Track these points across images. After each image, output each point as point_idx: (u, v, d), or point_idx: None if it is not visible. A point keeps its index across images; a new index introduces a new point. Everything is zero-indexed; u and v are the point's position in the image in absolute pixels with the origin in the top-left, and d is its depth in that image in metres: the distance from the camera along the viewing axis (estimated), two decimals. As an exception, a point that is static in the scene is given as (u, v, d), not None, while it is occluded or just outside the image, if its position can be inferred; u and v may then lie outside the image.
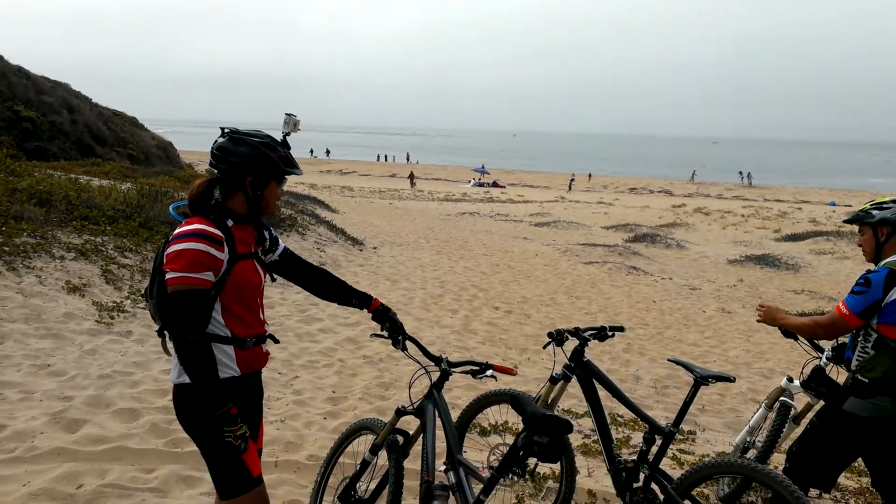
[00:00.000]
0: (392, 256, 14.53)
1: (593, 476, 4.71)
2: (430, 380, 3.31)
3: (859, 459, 3.72)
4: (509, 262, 16.50)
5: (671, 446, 5.39)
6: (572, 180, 62.67)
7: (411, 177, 54.41)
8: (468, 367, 3.35)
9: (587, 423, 5.82)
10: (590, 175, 70.49)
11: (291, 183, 40.31)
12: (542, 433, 2.50)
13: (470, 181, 60.74)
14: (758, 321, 4.06)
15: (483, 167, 75.81)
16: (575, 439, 5.39)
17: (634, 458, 3.70)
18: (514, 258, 17.20)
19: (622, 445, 5.33)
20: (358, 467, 3.45)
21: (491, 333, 9.42)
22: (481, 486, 2.72)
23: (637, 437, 5.56)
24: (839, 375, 4.06)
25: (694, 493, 3.43)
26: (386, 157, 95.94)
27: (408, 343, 3.28)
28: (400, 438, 3.38)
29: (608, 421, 3.95)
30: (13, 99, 23.09)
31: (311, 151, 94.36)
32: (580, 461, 4.86)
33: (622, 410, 6.37)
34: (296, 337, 7.87)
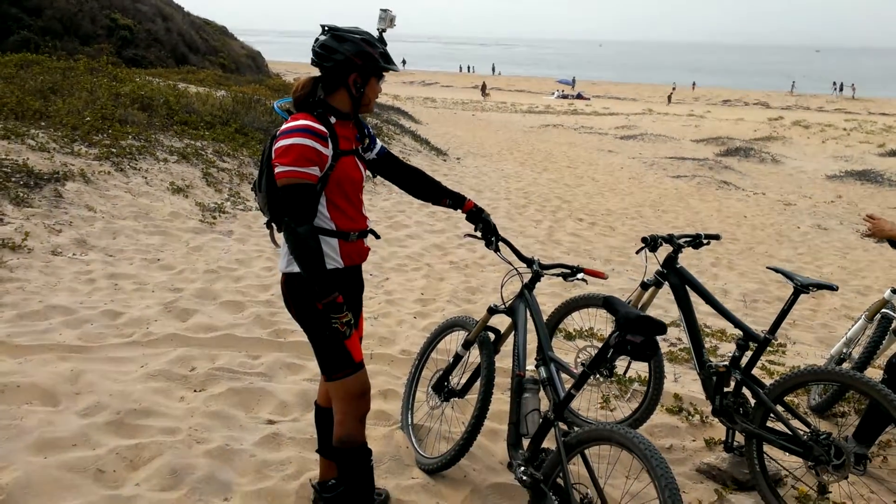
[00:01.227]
0: (475, 167, 14.50)
1: (679, 382, 4.76)
2: (522, 280, 3.37)
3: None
4: (593, 174, 16.21)
5: (762, 356, 5.35)
6: (672, 91, 59.89)
7: (483, 87, 53.30)
8: (560, 270, 3.38)
9: (673, 332, 5.82)
10: (673, 87, 67.07)
11: (374, 93, 40.32)
12: (636, 332, 2.53)
13: (553, 93, 59.06)
14: (863, 236, 3.89)
15: (568, 79, 73.37)
16: (662, 347, 5.41)
17: (725, 363, 3.70)
18: (599, 171, 16.87)
19: (710, 354, 5.32)
20: (451, 361, 3.60)
21: (575, 244, 9.40)
22: (571, 381, 2.80)
23: (724, 348, 5.54)
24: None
25: (786, 399, 3.42)
26: (469, 67, 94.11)
27: (500, 245, 3.32)
28: (491, 335, 3.49)
29: (698, 325, 3.95)
30: (110, 7, 23.72)
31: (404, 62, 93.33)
32: (667, 368, 4.90)
33: (710, 321, 6.33)
34: (385, 242, 8.08)
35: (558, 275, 3.37)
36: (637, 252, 4.06)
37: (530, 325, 3.29)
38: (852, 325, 4.49)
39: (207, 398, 4.00)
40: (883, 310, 4.26)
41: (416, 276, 6.96)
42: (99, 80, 11.69)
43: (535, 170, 15.62)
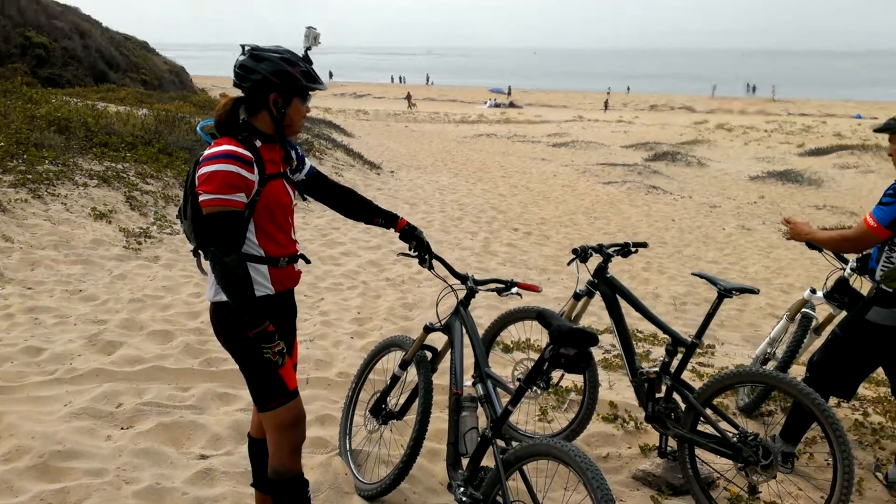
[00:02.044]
0: (410, 180, 14.50)
1: (614, 389, 4.84)
2: (457, 297, 3.37)
3: (879, 370, 3.77)
4: (527, 183, 16.42)
5: (691, 359, 5.49)
6: (608, 97, 61.36)
7: (408, 98, 53.46)
8: (494, 285, 3.40)
9: (607, 339, 5.92)
10: (608, 92, 69.00)
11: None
12: (569, 345, 2.55)
13: (486, 102, 59.71)
14: (787, 238, 4.04)
15: (501, 88, 74.37)
16: (596, 354, 5.50)
17: (656, 369, 3.78)
18: (533, 179, 17.10)
19: (642, 359, 5.43)
20: (388, 382, 3.56)
21: (511, 254, 9.48)
22: (508, 397, 2.81)
23: (656, 352, 5.67)
24: (863, 286, 4.08)
25: (715, 402, 3.51)
26: (401, 78, 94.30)
27: (434, 262, 3.32)
28: (428, 354, 3.47)
29: (629, 333, 4.02)
30: (24, 25, 22.78)
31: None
32: (601, 375, 4.98)
33: (642, 326, 6.46)
34: (319, 260, 7.98)
35: (493, 290, 3.38)
36: (568, 263, 4.12)
37: (467, 341, 3.29)
38: (775, 325, 4.65)
39: (135, 435, 3.85)
40: (803, 309, 4.43)
41: (351, 295, 6.89)
42: (13, 103, 11.20)
43: (469, 181, 15.73)
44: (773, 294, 8.97)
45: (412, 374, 3.48)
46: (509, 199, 13.86)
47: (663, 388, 3.75)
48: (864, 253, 4.08)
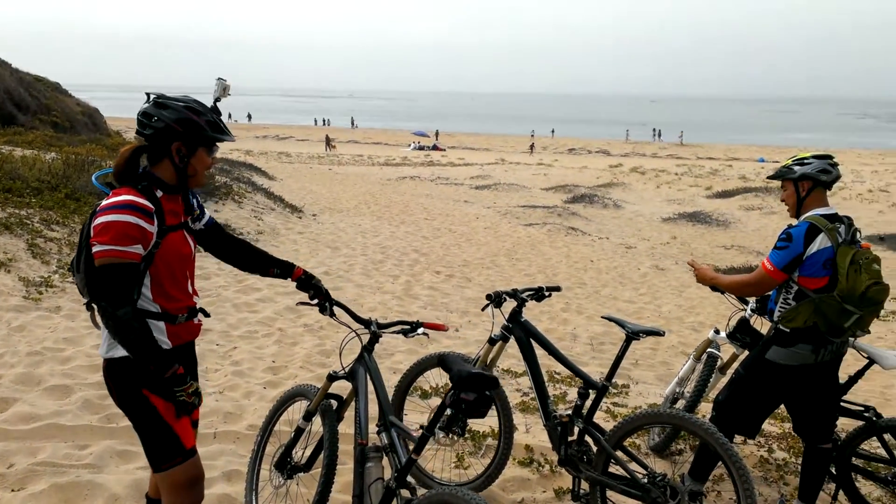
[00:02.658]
0: (332, 223, 14.39)
1: (531, 432, 4.84)
2: (361, 342, 3.32)
3: (782, 406, 3.91)
4: (450, 225, 16.56)
5: (605, 400, 5.57)
6: (533, 140, 62.98)
7: (327, 140, 53.54)
8: (398, 328, 3.36)
9: (526, 382, 5.95)
10: (532, 134, 71.04)
11: (226, 149, 39.29)
12: (469, 390, 2.54)
13: (410, 145, 60.33)
14: (698, 279, 4.18)
15: (424, 131, 75.36)
16: (514, 397, 5.52)
17: (569, 412, 3.81)
18: (455, 222, 17.26)
19: (559, 401, 5.48)
20: (293, 434, 3.46)
21: (432, 297, 9.48)
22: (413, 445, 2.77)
23: (573, 393, 5.73)
24: (763, 326, 4.25)
25: (626, 443, 3.56)
26: (325, 120, 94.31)
27: (336, 308, 3.27)
28: (334, 403, 3.39)
29: (545, 379, 4.05)
30: (-78, 64, 21.63)
31: (230, 115, 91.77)
32: (519, 418, 4.99)
33: (560, 367, 6.52)
34: (233, 307, 7.75)
35: (398, 332, 3.34)
36: (483, 309, 4.13)
37: (372, 388, 3.24)
38: (683, 365, 4.79)
39: (26, 497, 3.61)
40: (708, 349, 4.58)
41: (267, 343, 6.71)
42: None
43: (392, 223, 15.73)
44: (685, 332, 9.26)
45: (318, 425, 3.39)
46: (432, 242, 13.92)
47: (576, 430, 3.79)
48: (764, 294, 4.27)
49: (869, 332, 3.74)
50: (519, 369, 6.38)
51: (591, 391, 3.82)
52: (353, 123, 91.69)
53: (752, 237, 19.73)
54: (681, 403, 4.65)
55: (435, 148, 58.44)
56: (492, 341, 4.11)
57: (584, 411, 3.80)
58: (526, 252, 14.25)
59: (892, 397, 7.16)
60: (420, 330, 3.34)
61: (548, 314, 9.46)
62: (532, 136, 64.92)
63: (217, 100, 3.77)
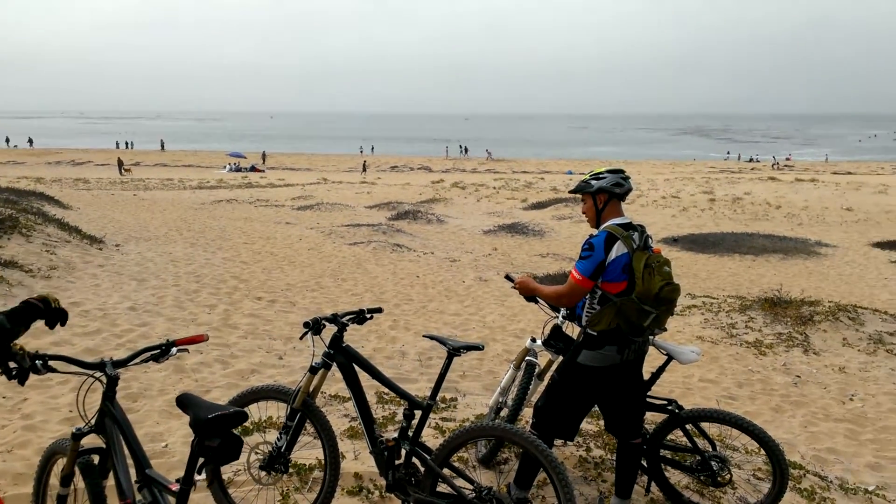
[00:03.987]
0: (138, 253, 13.33)
1: (360, 458, 4.70)
2: (103, 388, 2.89)
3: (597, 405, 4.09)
4: (271, 248, 16.01)
5: (433, 416, 5.57)
6: (365, 162, 62.48)
7: (119, 164, 50.46)
8: (145, 356, 2.97)
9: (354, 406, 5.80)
10: (360, 150, 71.17)
11: (12, 178, 35.40)
12: (211, 436, 2.35)
13: (226, 166, 58.01)
14: (519, 292, 4.27)
15: (239, 152, 72.84)
16: (342, 423, 5.35)
17: (395, 436, 3.73)
18: (277, 244, 16.72)
19: (388, 423, 5.39)
20: (56, 499, 3.03)
21: (253, 326, 9.04)
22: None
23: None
24: (574, 332, 4.44)
25: (453, 459, 3.54)
26: (128, 143, 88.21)
27: (54, 363, 2.71)
28: (95, 458, 2.93)
29: (374, 400, 3.95)
30: None
31: (7, 141, 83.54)
32: (347, 445, 4.83)
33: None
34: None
35: (146, 360, 2.96)
36: (301, 338, 3.95)
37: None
38: (504, 375, 4.89)
39: None
40: (527, 357, 4.71)
41: (63, 391, 6.00)
42: None
43: (208, 249, 14.89)
44: (509, 340, 9.58)
45: (83, 484, 2.96)
46: (252, 267, 13.34)
47: (403, 453, 3.71)
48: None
49: (666, 330, 4.02)
50: (347, 394, 6.21)
51: (416, 411, 3.78)
52: (162, 146, 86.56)
53: (565, 244, 21.01)
54: (505, 412, 4.74)
55: (253, 169, 56.69)
56: (313, 370, 3.94)
57: (411, 432, 3.75)
58: (352, 271, 14.10)
59: (693, 386, 7.86)
60: (174, 350, 3.02)
61: (376, 333, 9.38)
62: (361, 152, 64.95)
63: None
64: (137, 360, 2.95)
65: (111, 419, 2.85)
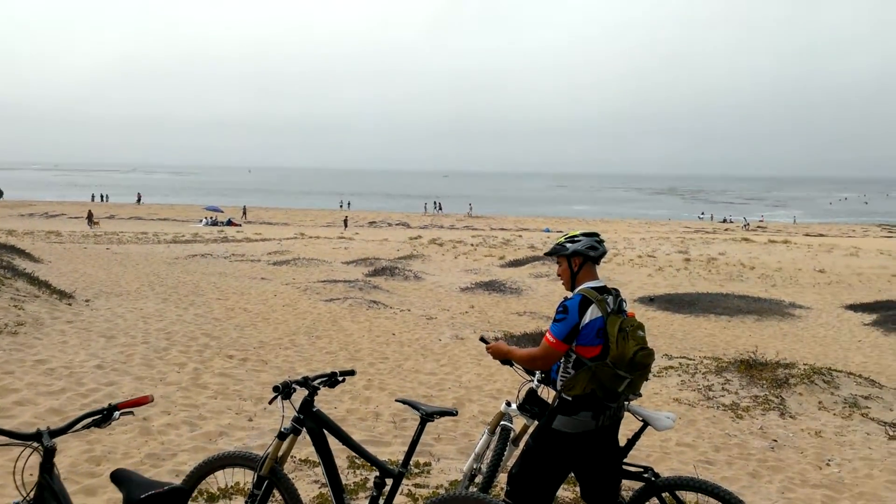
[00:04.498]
0: (108, 309, 13.07)
1: (330, 528, 4.54)
2: (40, 459, 2.75)
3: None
4: (245, 304, 15.80)
5: (406, 483, 5.42)
6: (346, 217, 62.36)
7: (89, 216, 50.19)
8: (86, 421, 2.85)
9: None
10: (340, 205, 71.46)
11: (-16, 229, 34.90)
12: None
13: (202, 220, 57.79)
14: (492, 356, 4.23)
15: (216, 206, 72.76)
16: (311, 489, 5.18)
17: (366, 505, 3.61)
18: (251, 300, 16.52)
19: (359, 489, 5.23)
20: None
21: (223, 385, 8.83)
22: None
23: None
24: (549, 396, 4.38)
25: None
26: (103, 196, 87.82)
27: None
28: None
29: (339, 469, 3.83)
30: None
31: None
32: (316, 514, 4.67)
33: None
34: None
35: (87, 426, 2.84)
36: (270, 402, 3.84)
37: None
38: (479, 440, 4.79)
39: None
40: (502, 422, 4.63)
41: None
42: None
43: (180, 305, 14.66)
44: (485, 401, 9.44)
45: None
46: (224, 324, 13.13)
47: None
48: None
49: (640, 395, 3.98)
50: (317, 458, 6.04)
51: (387, 479, 3.67)
52: (139, 199, 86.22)
53: (542, 302, 21.01)
54: (479, 479, 4.63)
55: (230, 223, 56.52)
56: (281, 436, 3.83)
57: (382, 500, 3.63)
58: (327, 328, 13.93)
59: (671, 450, 7.76)
60: (116, 414, 2.89)
61: (349, 393, 9.21)
62: (341, 207, 65.10)
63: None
64: (78, 427, 2.82)
65: (49, 493, 2.71)
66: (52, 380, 8.02)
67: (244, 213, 66.82)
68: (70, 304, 12.66)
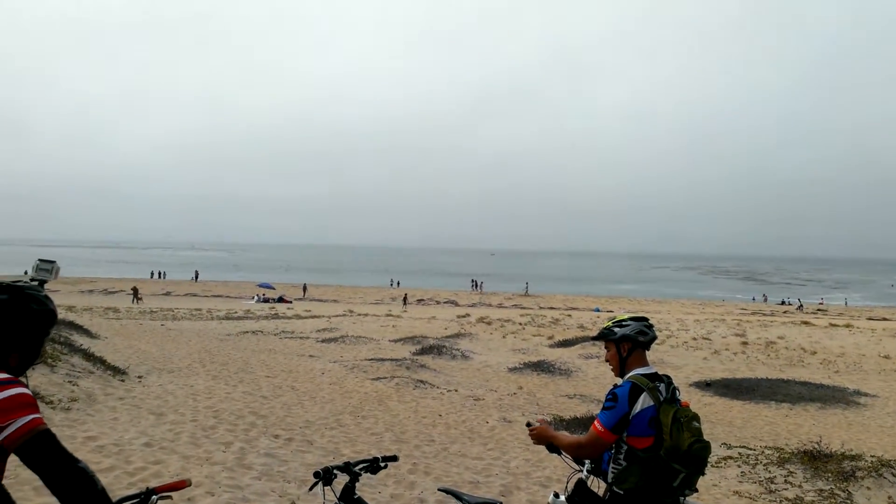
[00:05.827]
0: (160, 385, 13.25)
1: None
2: None
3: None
4: (293, 382, 15.83)
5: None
6: (406, 294, 62.84)
7: (135, 292, 51.67)
8: None
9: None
10: (391, 283, 72.21)
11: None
12: None
13: (254, 297, 58.85)
14: (535, 441, 4.10)
15: (268, 283, 74.22)
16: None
17: None
18: (299, 378, 16.55)
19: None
20: None
21: (268, 466, 8.74)
22: None
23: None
24: (599, 488, 4.19)
25: None
26: (161, 273, 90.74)
27: None
28: None
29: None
30: None
31: (26, 273, 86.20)
32: None
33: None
34: None
35: None
36: (310, 489, 3.77)
37: None
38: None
39: None
40: (550, 516, 4.43)
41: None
42: None
43: (229, 383, 14.77)
44: (534, 489, 9.10)
45: None
46: (272, 402, 13.13)
47: None
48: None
49: (697, 491, 3.77)
50: None
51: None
52: (196, 276, 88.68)
53: (593, 385, 20.48)
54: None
55: (281, 300, 57.40)
56: (321, 525, 3.73)
57: None
58: (373, 408, 13.79)
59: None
60: (154, 498, 2.84)
61: (394, 477, 9.00)
62: (392, 285, 65.77)
63: (43, 281, 3.40)
64: None
65: None
66: (102, 457, 8.07)
67: (304, 290, 67.89)
68: (123, 381, 12.88)
